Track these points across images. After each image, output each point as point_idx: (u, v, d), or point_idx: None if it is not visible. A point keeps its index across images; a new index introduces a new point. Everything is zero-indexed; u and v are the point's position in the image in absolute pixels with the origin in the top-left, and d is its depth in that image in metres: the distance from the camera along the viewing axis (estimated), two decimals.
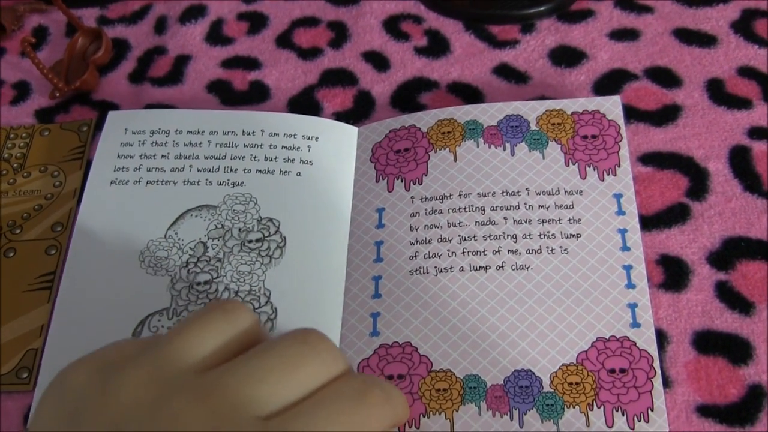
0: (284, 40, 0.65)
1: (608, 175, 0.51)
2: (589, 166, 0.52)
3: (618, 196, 0.50)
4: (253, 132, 0.56)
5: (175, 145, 0.56)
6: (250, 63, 0.64)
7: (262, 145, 0.55)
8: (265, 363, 0.33)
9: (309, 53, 0.64)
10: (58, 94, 0.63)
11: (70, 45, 0.65)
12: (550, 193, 0.51)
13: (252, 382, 0.32)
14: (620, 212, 0.50)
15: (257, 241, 0.51)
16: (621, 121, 0.53)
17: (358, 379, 0.34)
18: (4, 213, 0.55)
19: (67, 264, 0.52)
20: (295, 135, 0.55)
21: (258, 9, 0.67)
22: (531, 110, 0.54)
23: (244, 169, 0.54)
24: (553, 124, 0.53)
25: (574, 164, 0.52)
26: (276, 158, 0.55)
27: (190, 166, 0.55)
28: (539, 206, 0.50)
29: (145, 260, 0.51)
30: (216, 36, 0.66)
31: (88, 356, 0.35)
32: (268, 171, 0.54)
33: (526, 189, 0.51)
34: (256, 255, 0.51)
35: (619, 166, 0.51)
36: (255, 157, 0.55)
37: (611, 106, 0.54)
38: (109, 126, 0.58)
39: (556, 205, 0.50)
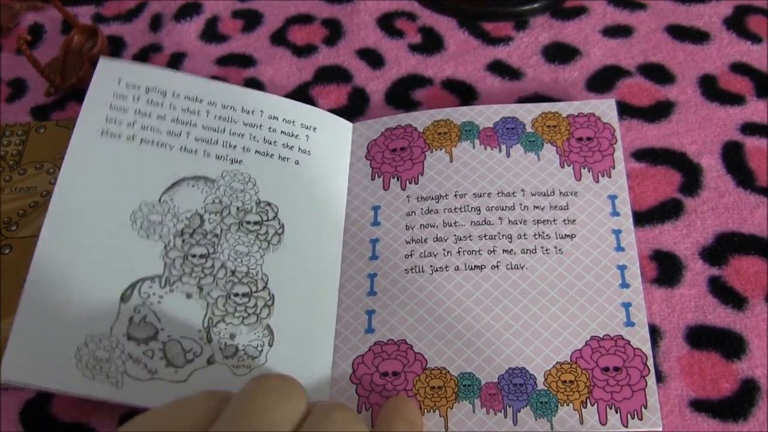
0: (279, 38, 0.65)
1: (603, 176, 0.51)
2: (584, 168, 0.52)
3: (612, 198, 0.50)
4: (252, 111, 0.55)
5: (172, 108, 0.54)
6: (245, 60, 0.64)
7: (261, 126, 0.54)
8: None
9: (304, 50, 0.64)
10: (53, 92, 0.63)
11: (66, 42, 0.65)
12: (545, 194, 0.51)
13: None
14: (614, 213, 0.50)
15: (255, 223, 0.51)
16: (616, 124, 0.53)
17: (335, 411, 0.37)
18: (0, 210, 0.55)
19: (48, 215, 0.49)
20: (293, 122, 0.55)
21: (253, 6, 0.67)
22: (527, 113, 0.54)
23: (243, 147, 0.53)
24: (549, 126, 0.54)
25: (569, 166, 0.52)
26: (275, 142, 0.54)
27: (188, 133, 0.53)
28: (534, 207, 0.51)
29: (137, 221, 0.49)
30: (211, 34, 0.66)
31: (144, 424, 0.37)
32: (268, 154, 0.53)
33: (522, 190, 0.51)
34: (255, 238, 0.50)
35: (613, 168, 0.51)
36: (254, 137, 0.54)
37: (606, 108, 0.54)
38: (100, 73, 0.54)
39: (551, 206, 0.51)
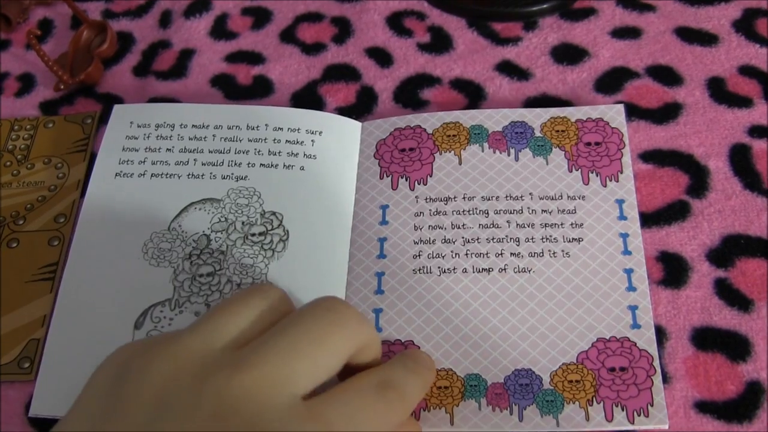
0: (288, 35, 0.65)
1: (611, 181, 0.51)
2: (592, 172, 0.52)
3: (620, 202, 0.50)
4: (257, 126, 0.56)
5: (179, 138, 0.56)
6: (254, 57, 0.64)
7: (266, 139, 0.55)
8: (298, 336, 0.36)
9: (313, 48, 0.64)
10: (62, 87, 0.63)
11: (75, 38, 0.65)
12: (553, 198, 0.51)
13: (287, 356, 0.35)
14: (622, 217, 0.50)
15: (260, 234, 0.52)
16: (624, 129, 0.53)
17: (379, 376, 0.39)
18: (7, 204, 0.55)
19: (71, 255, 0.52)
20: (299, 129, 0.56)
21: (262, 4, 0.68)
22: (536, 117, 0.55)
23: (248, 163, 0.55)
24: (557, 131, 0.54)
25: (577, 170, 0.52)
26: (279, 152, 0.55)
27: (195, 160, 0.55)
28: (542, 210, 0.51)
29: (148, 252, 0.51)
30: (220, 30, 0.66)
31: (140, 339, 0.40)
32: (272, 165, 0.54)
33: (530, 193, 0.52)
34: (259, 248, 0.51)
35: (621, 173, 0.52)
36: (259, 151, 0.55)
37: (615, 114, 0.54)
38: (114, 119, 0.58)
39: (558, 210, 0.51)
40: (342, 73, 0.62)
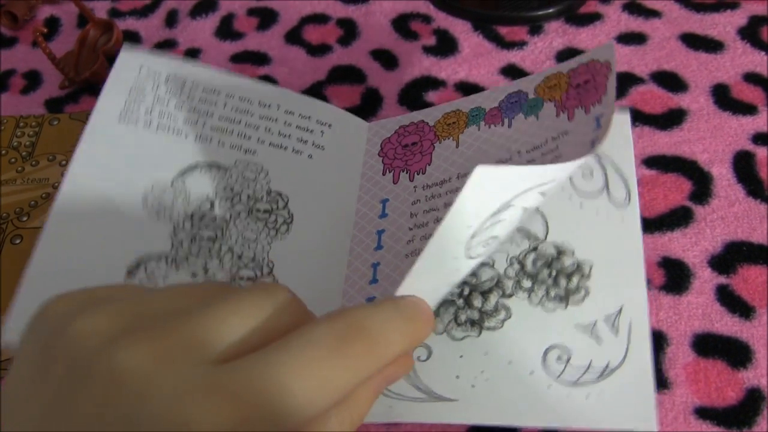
0: (294, 37, 0.65)
1: (594, 106, 0.49)
2: (578, 108, 0.51)
3: (598, 118, 0.49)
4: (269, 105, 0.55)
5: (190, 98, 0.54)
6: (259, 58, 0.64)
7: (277, 119, 0.55)
8: (294, 356, 0.28)
9: (318, 50, 0.64)
10: (68, 85, 0.63)
11: (81, 36, 0.66)
12: (538, 147, 0.51)
13: (284, 378, 0.27)
14: (597, 126, 0.49)
15: (265, 211, 0.51)
16: (613, 60, 0.51)
17: (345, 320, 0.30)
18: (12, 201, 0.56)
19: (63, 190, 0.48)
20: (309, 117, 0.55)
21: (268, 5, 0.68)
22: (530, 82, 0.54)
23: (258, 139, 0.54)
24: (550, 87, 0.53)
25: (564, 112, 0.51)
26: (290, 135, 0.54)
27: (204, 123, 0.54)
28: (528, 162, 0.50)
29: (148, 202, 0.50)
30: (226, 30, 0.66)
31: (77, 290, 0.31)
32: (282, 146, 0.54)
33: (518, 152, 0.51)
34: (263, 225, 0.51)
35: (605, 95, 0.49)
36: (269, 129, 0.54)
37: (605, 50, 0.52)
38: (123, 60, 0.55)
39: (542, 155, 0.50)
40: (347, 74, 0.62)
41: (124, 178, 0.50)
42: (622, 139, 0.53)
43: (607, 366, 0.44)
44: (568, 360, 0.44)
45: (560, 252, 0.48)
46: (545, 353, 0.45)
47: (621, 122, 0.54)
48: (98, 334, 0.27)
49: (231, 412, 0.25)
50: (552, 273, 0.48)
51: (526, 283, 0.47)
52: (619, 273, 0.47)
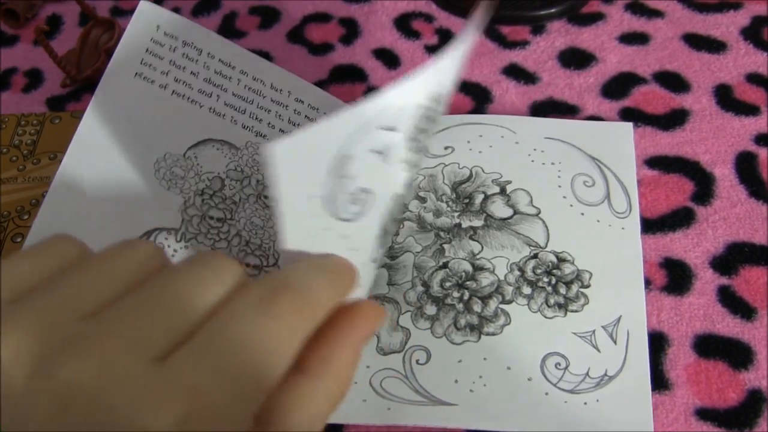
0: (296, 35, 0.65)
1: None
2: None
3: None
4: (280, 90, 0.54)
5: (206, 67, 0.53)
6: (261, 57, 0.64)
7: (287, 106, 0.54)
8: (142, 302, 0.28)
9: (320, 49, 0.64)
10: (69, 83, 0.63)
11: (83, 34, 0.66)
12: None
13: (131, 323, 0.27)
14: None
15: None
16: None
17: (268, 283, 0.29)
18: (13, 199, 0.56)
19: (75, 139, 0.48)
20: (318, 109, 0.55)
21: (270, 4, 0.68)
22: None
23: (269, 123, 0.53)
24: None
25: None
26: (299, 125, 0.54)
27: (218, 96, 0.52)
28: None
29: (159, 171, 0.49)
30: (228, 29, 0.66)
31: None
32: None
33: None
34: (271, 213, 0.50)
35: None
36: (280, 115, 0.53)
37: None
38: (140, 15, 0.53)
39: None
40: (349, 73, 0.62)
41: (136, 138, 0.49)
42: (624, 149, 0.53)
43: (605, 374, 0.45)
44: (567, 367, 0.45)
45: (560, 260, 0.49)
46: (544, 360, 0.45)
47: (624, 133, 0.54)
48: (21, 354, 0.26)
49: (171, 410, 0.25)
50: (552, 281, 0.48)
51: (526, 290, 0.48)
52: (618, 282, 0.48)
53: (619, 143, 0.54)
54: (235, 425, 0.26)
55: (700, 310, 0.47)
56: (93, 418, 0.25)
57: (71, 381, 0.25)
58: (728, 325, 0.47)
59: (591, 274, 0.48)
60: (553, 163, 0.53)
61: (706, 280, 0.49)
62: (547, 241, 0.50)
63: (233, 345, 0.27)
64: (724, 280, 0.49)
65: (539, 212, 0.51)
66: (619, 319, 0.46)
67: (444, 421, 0.44)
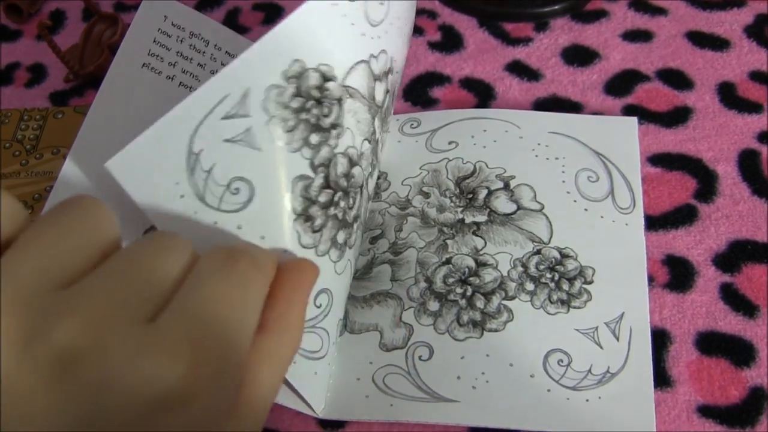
0: None
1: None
2: None
3: None
4: None
5: (213, 59, 0.53)
6: None
7: None
8: (126, 263, 0.29)
9: None
10: (72, 78, 0.63)
11: (86, 29, 0.66)
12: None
13: (118, 285, 0.28)
14: None
15: None
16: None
17: (221, 252, 0.32)
18: (15, 193, 0.56)
19: (79, 138, 0.46)
20: None
21: (273, 0, 0.68)
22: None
23: None
24: None
25: None
26: None
27: None
28: None
29: None
30: (231, 25, 0.66)
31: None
32: None
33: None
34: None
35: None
36: None
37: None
38: (147, 5, 0.52)
39: None
40: None
41: (141, 130, 0.48)
42: (628, 145, 0.53)
43: (607, 371, 0.44)
44: (569, 364, 0.45)
45: (563, 256, 0.49)
46: (546, 357, 0.45)
47: (628, 128, 0.54)
48: (12, 323, 0.27)
49: (181, 359, 0.27)
50: (555, 277, 0.48)
51: (529, 286, 0.48)
52: (622, 278, 0.48)
53: (623, 138, 0.54)
54: (235, 370, 0.30)
55: (702, 308, 0.47)
56: (96, 376, 0.26)
57: (66, 343, 0.26)
58: (730, 323, 0.47)
59: (594, 270, 0.48)
60: (557, 158, 0.53)
61: (709, 278, 0.49)
62: (551, 236, 0.49)
63: (214, 298, 0.30)
64: (726, 278, 0.48)
65: (543, 208, 0.51)
66: (621, 316, 0.46)
67: (446, 417, 0.44)
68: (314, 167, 0.39)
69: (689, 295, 0.48)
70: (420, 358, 0.46)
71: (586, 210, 0.50)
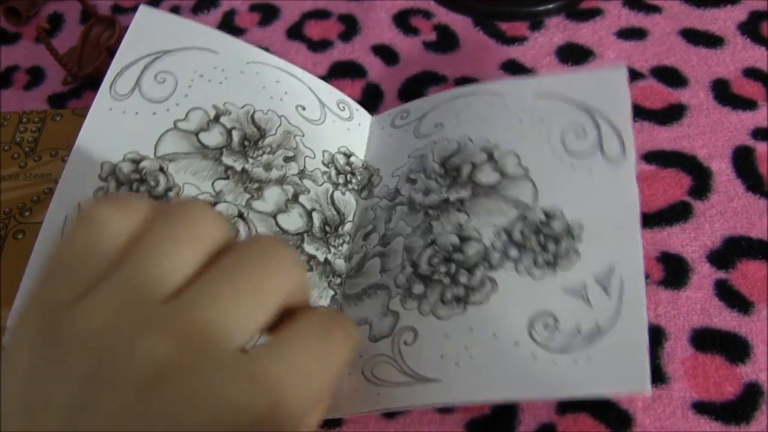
0: (295, 32, 0.65)
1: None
2: None
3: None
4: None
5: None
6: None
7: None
8: (234, 285, 0.31)
9: (319, 45, 0.64)
10: (70, 81, 0.63)
11: (84, 32, 0.66)
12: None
13: (223, 310, 0.30)
14: None
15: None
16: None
17: (323, 314, 0.35)
18: (14, 196, 0.56)
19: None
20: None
21: (270, 1, 0.68)
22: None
23: None
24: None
25: None
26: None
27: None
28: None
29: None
30: (228, 26, 0.66)
31: (58, 261, 0.32)
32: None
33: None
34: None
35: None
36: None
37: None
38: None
39: None
40: (348, 70, 0.62)
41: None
42: (617, 94, 0.49)
43: (596, 327, 0.41)
44: (555, 326, 0.42)
45: (549, 216, 0.46)
46: (531, 322, 0.42)
47: (617, 77, 0.49)
48: (107, 330, 0.29)
49: (269, 394, 0.29)
50: (540, 239, 0.45)
51: (513, 253, 0.45)
52: (612, 231, 0.44)
53: (612, 89, 0.50)
54: (300, 419, 0.32)
55: (697, 304, 0.48)
56: (182, 395, 0.28)
57: (158, 358, 0.29)
58: (725, 319, 0.47)
59: (582, 226, 0.45)
60: (542, 119, 0.50)
61: (704, 274, 0.49)
62: (536, 200, 0.47)
63: (302, 362, 0.32)
64: (721, 274, 0.49)
65: (527, 172, 0.48)
66: (612, 268, 0.43)
67: (429, 398, 0.42)
68: None
69: (684, 291, 0.48)
70: (405, 342, 0.44)
71: (572, 167, 0.47)
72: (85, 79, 0.63)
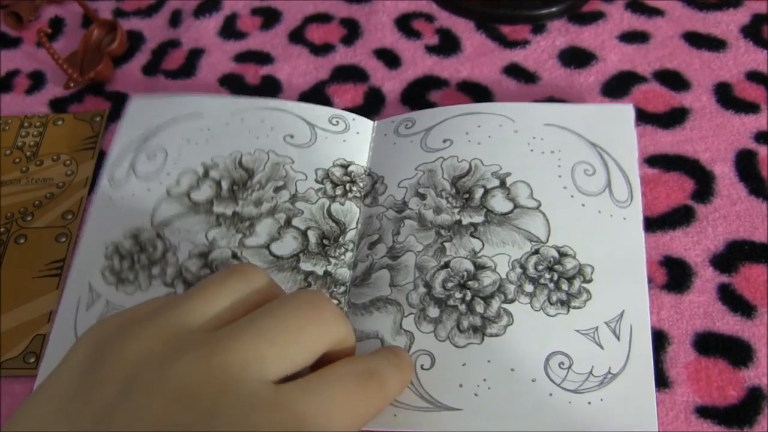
0: (297, 36, 0.65)
1: None
2: None
3: None
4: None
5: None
6: (262, 57, 0.64)
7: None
8: (273, 324, 0.35)
9: (321, 49, 0.64)
10: (72, 85, 0.63)
11: (86, 36, 0.66)
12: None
13: (260, 342, 0.34)
14: None
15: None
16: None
17: (361, 365, 0.38)
18: (16, 200, 0.56)
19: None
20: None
21: (272, 5, 0.68)
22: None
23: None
24: None
25: None
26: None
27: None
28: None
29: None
30: (229, 30, 0.66)
31: (122, 311, 0.37)
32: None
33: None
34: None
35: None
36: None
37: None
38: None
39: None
40: (350, 74, 0.62)
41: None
42: (625, 135, 0.52)
43: (608, 372, 0.44)
44: (570, 366, 0.44)
45: (561, 254, 0.48)
46: (547, 360, 0.45)
47: (624, 118, 0.53)
48: (147, 355, 0.33)
49: (290, 425, 0.32)
50: (554, 277, 0.47)
51: (528, 288, 0.47)
52: (621, 275, 0.47)
53: (619, 127, 0.52)
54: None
55: (700, 308, 0.48)
56: (216, 410, 0.31)
57: (192, 378, 0.32)
58: (728, 323, 0.47)
59: (593, 268, 0.47)
60: (552, 152, 0.52)
61: (706, 278, 0.49)
62: (549, 235, 0.49)
63: (338, 398, 0.36)
64: (724, 278, 0.49)
65: (539, 205, 0.50)
66: (621, 314, 0.46)
67: (450, 426, 0.43)
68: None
69: (687, 295, 0.48)
70: (422, 367, 0.45)
71: (583, 205, 0.50)
72: (86, 83, 0.63)
